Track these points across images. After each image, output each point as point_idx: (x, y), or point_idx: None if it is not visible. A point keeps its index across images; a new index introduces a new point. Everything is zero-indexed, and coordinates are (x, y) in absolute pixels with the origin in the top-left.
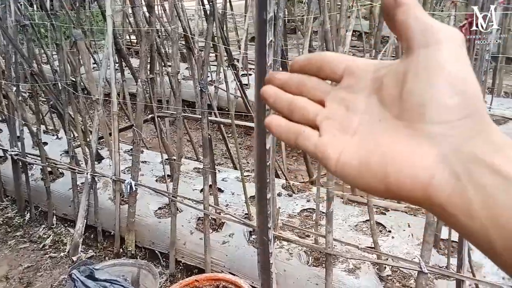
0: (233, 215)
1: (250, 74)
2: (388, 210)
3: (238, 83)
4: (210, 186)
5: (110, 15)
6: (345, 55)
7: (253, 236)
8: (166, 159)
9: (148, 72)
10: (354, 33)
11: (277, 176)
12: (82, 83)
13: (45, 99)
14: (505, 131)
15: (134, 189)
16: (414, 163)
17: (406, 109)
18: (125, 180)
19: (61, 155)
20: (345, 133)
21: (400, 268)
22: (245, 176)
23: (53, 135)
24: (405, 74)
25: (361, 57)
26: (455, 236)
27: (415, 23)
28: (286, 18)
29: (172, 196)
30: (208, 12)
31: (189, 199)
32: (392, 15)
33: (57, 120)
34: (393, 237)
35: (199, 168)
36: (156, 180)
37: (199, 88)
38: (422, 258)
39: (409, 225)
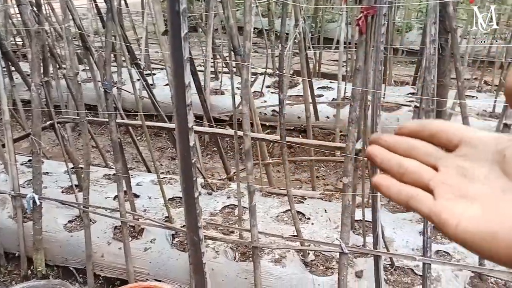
0: (153, 220)
1: (154, 74)
2: (305, 199)
3: (144, 83)
4: (125, 192)
5: None
6: (463, 126)
7: (177, 239)
8: (72, 167)
9: (42, 75)
10: (254, 29)
11: None
12: None
13: None
14: (399, 116)
15: (38, 203)
16: None
17: None
18: (26, 195)
19: None
20: (463, 199)
21: (322, 252)
22: (161, 178)
23: None
24: None
25: (264, 52)
26: (368, 216)
27: None
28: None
29: (83, 207)
30: (101, 10)
31: (102, 208)
32: None
33: None
34: (312, 224)
35: (109, 174)
36: (62, 192)
37: (103, 90)
38: (342, 239)
39: (325, 211)
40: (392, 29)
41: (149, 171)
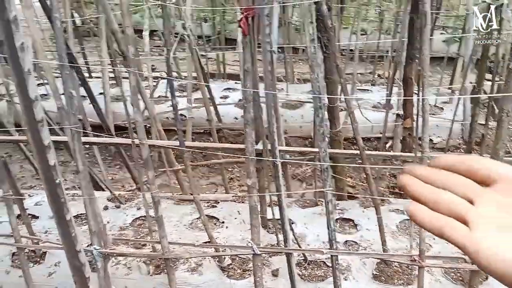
0: (53, 242)
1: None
2: (218, 202)
3: None
4: (19, 215)
5: None
6: (501, 163)
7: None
8: None
9: None
10: (155, 32)
11: (101, 188)
12: None
13: None
14: (302, 113)
15: None
16: None
17: None
18: None
19: None
20: (503, 232)
21: (238, 255)
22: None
23: None
24: None
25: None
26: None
27: None
28: (74, 20)
29: None
30: None
31: None
32: None
33: None
34: (227, 227)
35: (2, 197)
36: None
37: None
38: (253, 241)
39: (239, 213)
40: (288, 28)
41: None
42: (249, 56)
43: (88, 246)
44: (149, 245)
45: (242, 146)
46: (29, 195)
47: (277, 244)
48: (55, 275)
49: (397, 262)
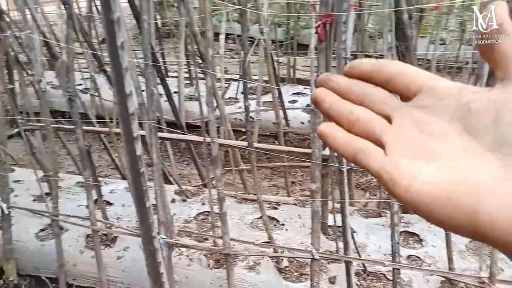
0: (125, 228)
1: None
2: (280, 205)
3: (112, 89)
4: (96, 200)
5: None
6: (424, 71)
7: None
8: (43, 175)
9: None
10: (230, 36)
11: (169, 182)
12: None
13: None
14: None
15: (6, 212)
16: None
17: (504, 142)
18: None
19: None
20: (418, 156)
21: (296, 258)
22: None
23: None
24: (504, 104)
25: (237, 58)
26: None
27: None
28: (157, 21)
29: (53, 216)
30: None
31: (73, 216)
32: (490, 44)
33: None
34: (286, 230)
35: (82, 182)
36: (34, 200)
37: (67, 97)
38: (312, 245)
39: (299, 216)
40: (363, 35)
41: (123, 178)
42: (323, 62)
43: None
44: (210, 239)
45: (308, 150)
46: (105, 183)
47: (336, 251)
48: (123, 259)
49: (464, 283)
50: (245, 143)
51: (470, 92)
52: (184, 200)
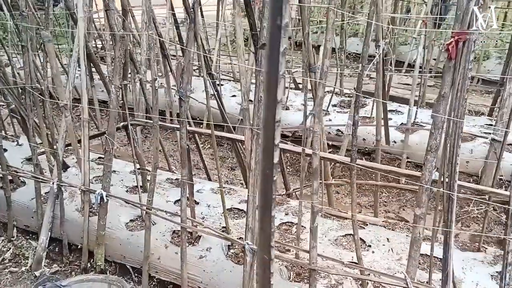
0: (211, 228)
1: (222, 84)
2: (367, 225)
3: (215, 93)
4: (187, 198)
5: (82, 17)
6: None
7: (232, 251)
8: (138, 169)
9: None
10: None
11: None
12: (47, 88)
13: (4, 103)
14: (471, 147)
15: (105, 200)
16: None
17: None
18: (95, 191)
19: (22, 162)
20: None
21: (382, 284)
22: (222, 187)
23: (13, 141)
24: None
25: (332, 70)
26: (437, 251)
27: None
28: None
29: (147, 209)
30: (177, 20)
31: (164, 211)
32: None
33: (18, 125)
34: (373, 252)
35: (171, 179)
36: (127, 191)
37: (178, 97)
38: (408, 274)
39: (388, 240)
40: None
41: (209, 179)
42: (449, 80)
43: (238, 238)
44: (292, 251)
45: (413, 172)
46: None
47: (427, 282)
48: (204, 259)
49: None
50: (344, 158)
51: None
52: None
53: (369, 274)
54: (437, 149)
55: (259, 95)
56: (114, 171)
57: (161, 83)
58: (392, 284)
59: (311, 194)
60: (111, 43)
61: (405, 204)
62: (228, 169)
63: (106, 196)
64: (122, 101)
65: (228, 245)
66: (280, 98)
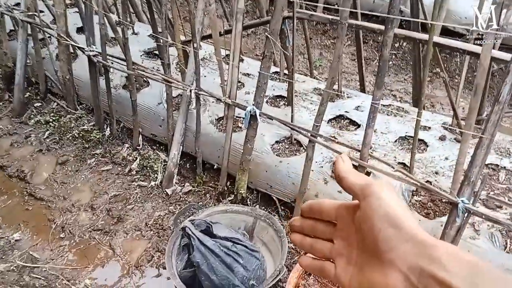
0: (385, 162)
1: None
2: None
3: None
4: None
5: None
6: (337, 202)
7: (416, 198)
8: (285, 74)
9: None
10: None
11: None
12: None
13: None
14: None
15: (258, 120)
16: (388, 286)
17: (370, 246)
18: (245, 107)
19: (141, 56)
20: (349, 264)
21: None
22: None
23: (128, 28)
24: (360, 220)
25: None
26: None
27: (354, 186)
28: None
29: (311, 135)
30: None
31: (324, 137)
32: (339, 183)
33: (135, 10)
34: None
35: (319, 88)
36: (266, 102)
37: None
38: None
39: None
40: None
41: (363, 91)
42: None
43: (426, 182)
44: (506, 209)
45: None
46: (355, 96)
47: None
48: None
49: None
50: None
51: (352, 210)
52: (458, 141)
53: None
54: None
55: None
56: (247, 74)
57: None
58: None
59: None
60: None
61: None
62: (373, 74)
63: (259, 115)
64: None
65: (412, 191)
66: None
